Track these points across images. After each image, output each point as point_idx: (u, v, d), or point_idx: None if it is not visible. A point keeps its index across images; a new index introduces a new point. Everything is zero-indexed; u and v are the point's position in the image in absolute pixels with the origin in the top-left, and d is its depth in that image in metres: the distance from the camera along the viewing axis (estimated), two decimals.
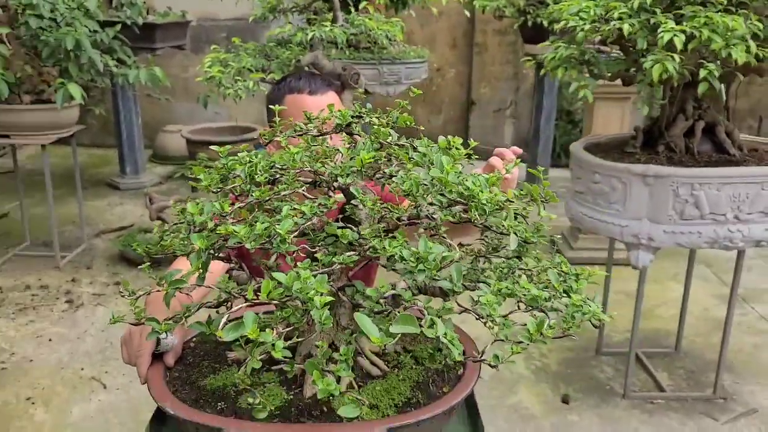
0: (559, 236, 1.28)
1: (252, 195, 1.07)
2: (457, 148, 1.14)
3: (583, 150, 2.61)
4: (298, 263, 0.98)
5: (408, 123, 1.21)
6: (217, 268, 1.25)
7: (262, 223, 1.01)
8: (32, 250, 4.39)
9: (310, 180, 1.17)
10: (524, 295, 1.07)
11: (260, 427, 1.01)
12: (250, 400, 1.00)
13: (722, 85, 2.48)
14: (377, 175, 1.12)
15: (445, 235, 1.05)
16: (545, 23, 4.67)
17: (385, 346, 1.05)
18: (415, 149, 1.14)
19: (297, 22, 3.39)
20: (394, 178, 1.07)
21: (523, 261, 1.19)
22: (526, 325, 1.07)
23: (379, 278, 1.48)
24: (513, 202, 1.14)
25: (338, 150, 1.18)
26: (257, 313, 0.97)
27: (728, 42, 2.04)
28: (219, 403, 1.12)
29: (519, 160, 1.30)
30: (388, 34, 2.88)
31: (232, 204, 1.11)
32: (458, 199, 1.05)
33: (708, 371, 3.00)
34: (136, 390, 2.84)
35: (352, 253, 1.05)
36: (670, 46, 2.07)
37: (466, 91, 6.83)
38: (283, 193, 1.08)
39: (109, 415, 2.73)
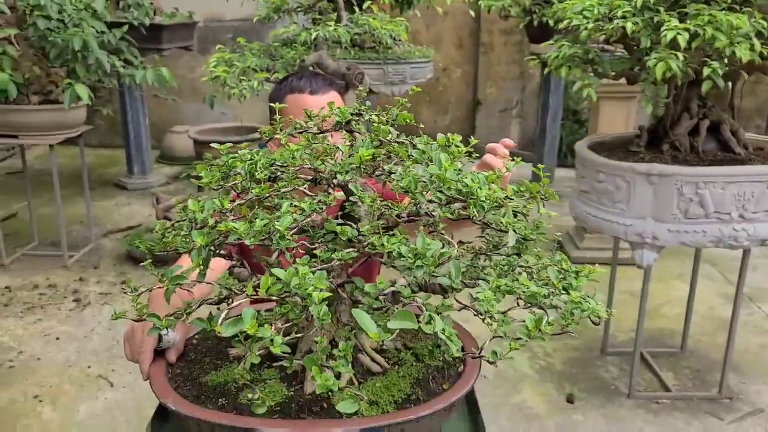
0: (559, 234, 1.28)
1: (252, 192, 1.08)
2: (456, 146, 1.15)
3: (587, 149, 2.61)
4: (297, 260, 0.99)
5: (407, 121, 1.22)
6: (218, 265, 1.26)
7: (262, 219, 1.02)
8: (40, 250, 4.43)
9: (311, 177, 1.18)
10: (523, 291, 1.07)
11: (259, 422, 1.02)
12: (250, 395, 1.00)
13: (727, 84, 2.47)
14: (376, 173, 1.12)
15: (443, 232, 1.06)
16: (551, 22, 4.67)
17: (383, 342, 1.05)
18: (414, 146, 1.15)
19: (302, 23, 3.40)
20: (393, 175, 1.07)
21: (522, 258, 1.19)
22: (525, 321, 1.07)
23: (382, 276, 1.49)
24: (512, 199, 1.14)
25: (338, 147, 1.19)
26: (259, 311, 0.98)
27: (732, 40, 2.03)
28: (220, 399, 1.13)
29: (520, 159, 1.31)
30: (392, 33, 2.88)
31: (233, 201, 1.12)
32: (457, 196, 1.05)
33: (714, 371, 2.99)
34: (142, 388, 2.86)
35: (351, 249, 1.06)
36: (673, 45, 2.06)
37: (472, 90, 6.82)
38: (283, 190, 1.09)
39: (116, 413, 2.74)
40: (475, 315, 1.06)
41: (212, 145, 1.24)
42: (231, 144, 1.21)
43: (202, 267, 1.09)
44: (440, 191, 1.05)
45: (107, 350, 3.22)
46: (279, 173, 1.15)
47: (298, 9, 2.87)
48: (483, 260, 1.23)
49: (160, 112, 6.68)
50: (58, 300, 3.76)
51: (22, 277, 4.05)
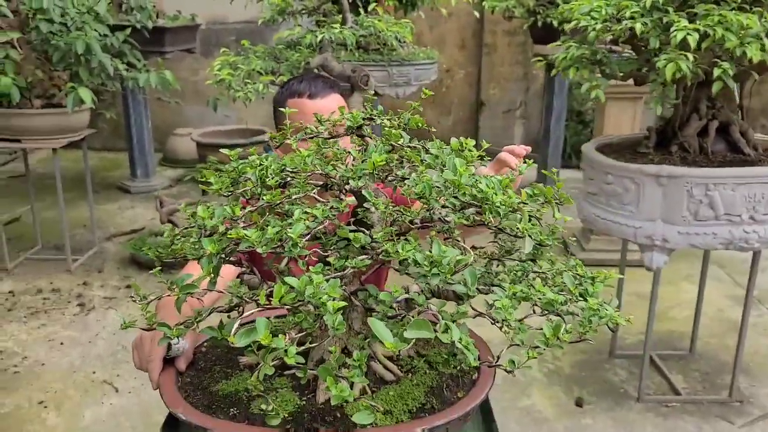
0: (573, 238, 1.26)
1: (263, 198, 1.06)
2: (469, 150, 1.13)
3: (595, 151, 2.58)
4: (311, 267, 0.97)
5: (420, 125, 1.20)
6: (227, 272, 1.24)
7: (274, 227, 1.00)
8: (44, 254, 4.41)
9: (321, 183, 1.16)
10: (539, 298, 1.05)
11: None
12: (263, 406, 0.99)
13: (736, 84, 2.45)
14: (389, 178, 1.10)
15: (459, 239, 1.04)
16: (555, 23, 4.65)
17: (399, 350, 1.03)
18: (427, 151, 1.13)
19: (306, 25, 3.39)
20: (406, 181, 1.05)
21: (537, 264, 1.17)
22: (541, 329, 1.05)
23: (390, 282, 1.47)
24: (527, 204, 1.12)
25: (349, 152, 1.17)
26: (269, 318, 0.96)
27: (743, 40, 2.01)
28: (231, 409, 1.11)
29: (532, 161, 1.29)
30: (397, 35, 2.86)
31: (243, 208, 1.10)
32: (471, 201, 1.03)
33: (723, 374, 2.96)
34: (147, 394, 2.84)
35: (364, 256, 1.04)
36: (683, 45, 2.04)
37: (475, 92, 6.80)
38: (294, 196, 1.07)
39: (121, 419, 2.73)
40: (492, 323, 1.05)
41: (221, 150, 1.22)
42: (240, 149, 1.19)
43: (212, 275, 1.08)
44: (455, 197, 1.03)
45: (112, 355, 3.20)
46: (289, 179, 1.14)
47: (303, 11, 2.86)
48: (496, 266, 1.21)
49: (163, 115, 6.67)
50: (62, 305, 3.74)
51: (25, 281, 4.04)
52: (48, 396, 2.88)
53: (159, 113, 6.45)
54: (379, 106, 1.18)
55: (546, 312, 1.06)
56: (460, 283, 1.02)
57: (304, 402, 1.12)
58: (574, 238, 1.24)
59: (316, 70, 2.67)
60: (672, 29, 2.02)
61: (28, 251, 4.42)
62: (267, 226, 1.04)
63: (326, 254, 1.07)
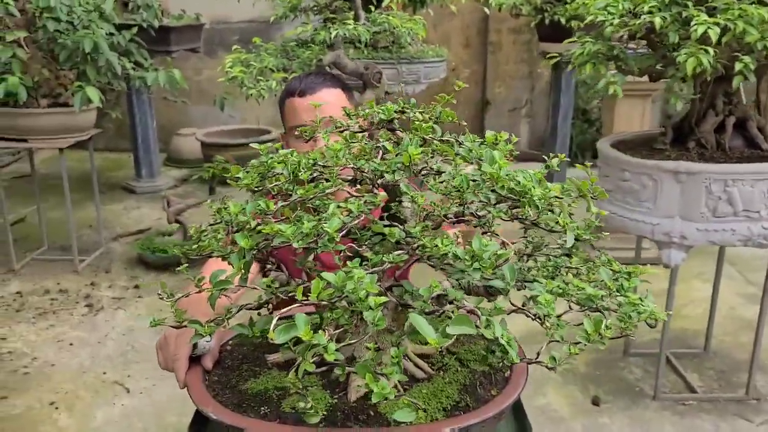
0: (607, 234, 1.24)
1: (295, 193, 1.04)
2: (503, 143, 1.11)
3: (610, 147, 2.56)
4: (348, 263, 0.95)
5: (451, 118, 1.18)
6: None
7: (309, 221, 0.98)
8: (50, 254, 4.39)
9: (350, 178, 1.14)
10: (577, 293, 1.03)
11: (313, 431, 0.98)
12: (301, 404, 0.96)
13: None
14: (423, 172, 1.08)
15: (497, 233, 1.02)
16: (563, 21, 4.63)
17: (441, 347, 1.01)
18: (460, 144, 1.11)
19: (313, 22, 3.36)
20: (443, 174, 1.03)
21: (571, 259, 1.15)
22: (579, 324, 1.04)
23: (414, 278, 1.44)
24: (562, 198, 1.10)
25: (379, 147, 1.15)
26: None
27: (763, 34, 1.99)
28: (262, 408, 1.09)
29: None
30: (410, 31, 2.84)
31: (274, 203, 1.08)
32: (509, 195, 1.01)
33: (739, 371, 2.94)
34: (159, 394, 2.82)
35: (401, 251, 1.02)
36: (703, 40, 2.02)
37: (480, 90, 6.78)
38: (328, 191, 1.05)
39: (134, 419, 2.70)
40: (532, 319, 1.03)
41: (251, 144, 1.20)
42: (270, 143, 1.17)
43: (243, 271, 1.05)
44: (492, 190, 1.01)
45: (122, 356, 3.18)
46: (320, 174, 1.12)
47: (315, 8, 2.84)
48: (526, 261, 1.19)
49: (167, 114, 6.64)
50: (70, 305, 3.72)
51: (32, 282, 4.02)
52: (59, 397, 2.86)
53: (163, 113, 6.42)
54: (413, 100, 1.15)
55: (585, 308, 1.04)
56: (498, 278, 1.00)
57: (336, 400, 1.10)
58: (608, 234, 1.23)
59: (328, 68, 2.64)
60: (692, 23, 2.00)
61: (35, 252, 4.40)
62: (298, 221, 1.02)
63: (360, 249, 1.05)
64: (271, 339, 0.89)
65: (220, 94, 4.30)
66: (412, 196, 1.02)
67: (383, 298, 0.89)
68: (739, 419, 2.62)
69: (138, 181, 5.74)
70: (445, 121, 1.16)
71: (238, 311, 1.15)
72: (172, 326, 1.11)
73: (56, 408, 2.78)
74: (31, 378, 3.00)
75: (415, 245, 1.01)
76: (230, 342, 1.35)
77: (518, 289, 1.07)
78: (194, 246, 1.20)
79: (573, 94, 5.49)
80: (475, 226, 1.05)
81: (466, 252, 0.94)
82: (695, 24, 1.99)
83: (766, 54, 2.06)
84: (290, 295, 1.07)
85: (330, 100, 1.66)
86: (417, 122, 1.14)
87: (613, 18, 2.21)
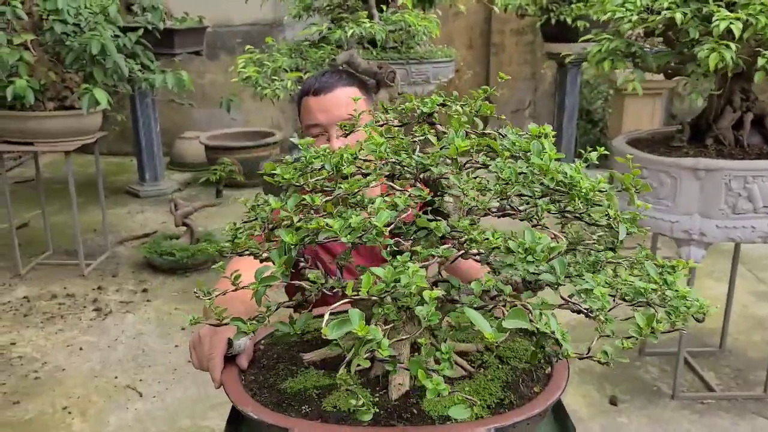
0: (648, 228, 1.23)
1: (340, 188, 1.02)
2: (546, 136, 1.09)
3: (626, 144, 2.55)
4: (399, 257, 0.93)
5: (490, 112, 1.16)
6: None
7: (357, 215, 0.96)
8: (56, 259, 4.36)
9: (387, 173, 1.12)
10: (627, 287, 1.02)
11: (361, 430, 0.96)
12: (353, 401, 0.94)
13: None
14: (467, 165, 1.06)
15: (547, 226, 1.00)
16: (569, 21, 4.64)
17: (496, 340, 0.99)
18: (504, 137, 1.09)
19: (319, 23, 3.33)
20: (490, 167, 1.02)
21: (615, 253, 1.14)
22: (627, 319, 1.02)
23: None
24: (605, 191, 1.09)
25: (416, 141, 1.14)
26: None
27: None
28: (303, 407, 1.07)
29: None
30: (425, 29, 2.83)
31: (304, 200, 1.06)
32: (558, 187, 1.00)
33: (756, 369, 2.93)
34: (171, 398, 2.79)
35: (447, 246, 1.00)
36: (722, 35, 2.02)
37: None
38: (372, 185, 1.03)
39: (148, 424, 2.68)
40: (584, 314, 1.01)
41: (291, 139, 1.18)
42: (312, 138, 1.15)
43: (285, 267, 1.03)
44: (540, 183, 1.00)
45: (133, 360, 3.15)
46: (359, 169, 1.10)
47: (328, 7, 2.82)
48: (565, 256, 1.17)
49: (170, 118, 6.61)
50: (78, 309, 3.69)
51: (39, 286, 3.98)
52: (71, 402, 2.83)
53: (166, 116, 6.39)
54: (454, 92, 1.14)
55: (633, 301, 1.02)
56: (548, 272, 0.98)
57: (377, 398, 1.08)
58: (648, 228, 1.21)
59: (341, 67, 2.63)
60: (714, 19, 1.99)
61: (40, 256, 4.37)
62: (340, 216, 1.00)
63: (401, 245, 1.04)
64: (324, 335, 0.87)
65: (226, 95, 4.30)
66: (462, 188, 1.00)
67: (437, 292, 0.87)
68: (759, 417, 2.61)
69: (142, 185, 5.71)
70: (485, 114, 1.15)
71: (277, 309, 1.13)
72: (212, 324, 1.09)
73: (69, 413, 2.75)
74: (42, 383, 2.97)
75: (463, 239, 0.99)
76: (262, 341, 1.32)
77: (560, 285, 1.06)
78: (231, 243, 1.17)
79: (578, 95, 5.49)
80: (521, 220, 1.04)
81: (519, 245, 0.92)
82: (717, 19, 1.98)
83: None
84: (334, 291, 1.05)
85: (346, 99, 1.64)
86: (457, 116, 1.12)
87: (632, 14, 2.20)
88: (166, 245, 4.11)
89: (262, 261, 1.13)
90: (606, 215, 1.01)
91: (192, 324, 1.08)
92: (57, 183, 5.82)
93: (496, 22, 6.41)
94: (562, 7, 4.61)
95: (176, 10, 5.37)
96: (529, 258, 0.91)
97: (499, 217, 1.06)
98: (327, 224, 0.95)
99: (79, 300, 3.80)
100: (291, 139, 1.21)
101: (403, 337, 0.96)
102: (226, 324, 1.08)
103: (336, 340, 0.94)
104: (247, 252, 1.14)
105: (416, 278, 0.90)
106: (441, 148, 1.04)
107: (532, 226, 1.01)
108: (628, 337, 0.98)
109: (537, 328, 0.90)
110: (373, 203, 0.99)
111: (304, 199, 1.01)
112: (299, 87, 2.59)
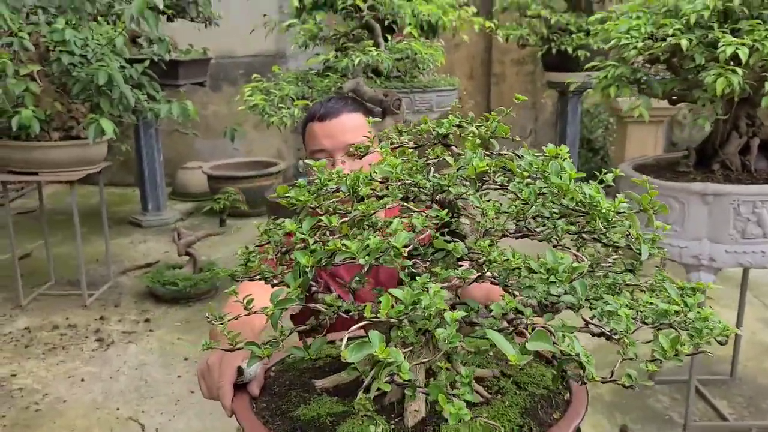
0: (665, 249, 1.21)
1: (357, 209, 1.01)
2: (563, 158, 1.08)
3: (633, 170, 2.55)
4: (417, 278, 0.92)
5: (506, 134, 1.16)
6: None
7: (375, 236, 0.95)
8: (57, 289, 4.33)
9: (401, 195, 1.11)
10: (649, 309, 1.00)
11: None
12: (372, 428, 0.92)
13: None
14: (483, 187, 1.05)
15: (568, 247, 0.99)
16: (570, 50, 4.68)
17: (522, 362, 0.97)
18: (520, 158, 1.08)
19: (321, 53, 3.35)
20: (510, 186, 1.00)
21: (635, 276, 1.12)
22: (649, 342, 1.00)
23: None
24: (624, 212, 1.08)
25: (430, 164, 1.13)
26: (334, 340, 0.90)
27: None
28: None
29: None
30: (432, 57, 2.85)
31: (319, 222, 1.05)
32: (578, 208, 0.99)
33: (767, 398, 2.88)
34: (174, 429, 2.74)
35: (465, 267, 0.99)
36: (728, 60, 2.03)
37: None
38: (389, 206, 1.02)
39: None
40: (606, 337, 0.99)
41: (302, 161, 1.17)
42: (324, 160, 1.14)
43: (300, 290, 1.01)
44: (560, 204, 0.99)
45: (135, 390, 3.11)
46: (373, 190, 1.09)
47: (334, 36, 2.85)
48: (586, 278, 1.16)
49: (173, 148, 6.64)
50: (80, 340, 3.65)
51: (41, 317, 3.95)
52: None
53: (168, 147, 6.42)
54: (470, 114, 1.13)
55: (656, 324, 1.01)
56: (569, 294, 0.97)
57: (392, 426, 1.06)
58: (666, 250, 1.20)
59: (347, 95, 2.64)
60: (720, 44, 2.01)
61: (42, 287, 4.34)
62: (357, 238, 0.99)
63: (422, 266, 1.02)
64: (344, 358, 0.85)
65: (230, 125, 4.32)
66: (482, 208, 0.98)
67: (459, 313, 0.85)
68: None
69: (144, 215, 5.70)
70: (500, 136, 1.14)
71: (290, 333, 1.12)
72: (225, 349, 1.06)
73: None
74: (43, 414, 2.92)
75: (482, 260, 0.98)
76: (273, 368, 1.30)
77: (581, 307, 1.04)
78: (243, 267, 1.16)
79: (579, 124, 5.52)
80: (540, 241, 1.02)
81: (541, 265, 0.91)
82: (723, 45, 1.99)
83: None
84: (350, 315, 1.03)
85: (351, 125, 1.64)
86: (472, 137, 1.11)
87: (637, 41, 2.21)
88: (169, 275, 4.09)
89: (274, 285, 1.12)
90: (627, 235, 1.00)
91: (204, 349, 1.06)
92: (60, 214, 5.81)
93: (497, 52, 6.48)
94: (563, 37, 4.66)
95: (181, 42, 5.43)
96: (552, 278, 0.90)
97: (516, 238, 1.04)
98: (344, 245, 0.94)
99: (81, 330, 3.77)
100: (302, 162, 1.20)
101: (423, 361, 0.94)
102: (239, 349, 1.06)
103: (354, 363, 0.92)
104: (258, 276, 1.13)
105: (437, 299, 0.88)
106: (458, 169, 1.03)
107: (553, 247, 0.99)
108: (652, 360, 0.96)
109: (560, 350, 0.88)
110: (389, 225, 0.98)
111: (319, 221, 1.00)
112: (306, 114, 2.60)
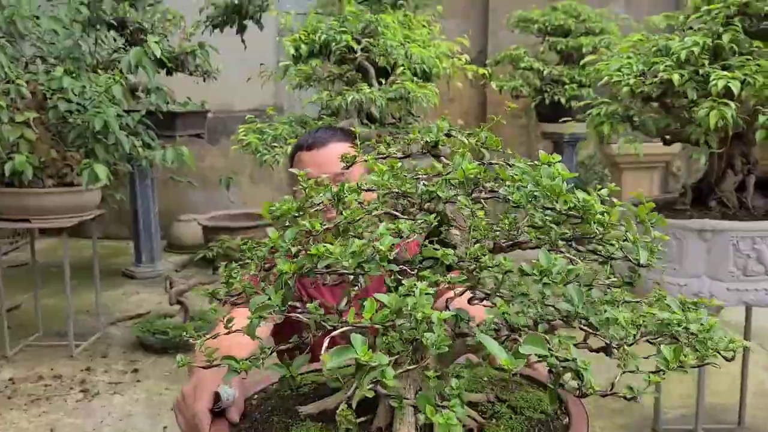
0: (665, 267, 1.17)
1: (343, 214, 0.97)
2: (556, 166, 1.05)
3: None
4: (404, 281, 0.87)
5: (497, 145, 1.13)
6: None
7: (360, 239, 0.91)
8: (45, 340, 4.22)
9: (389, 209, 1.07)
10: (648, 319, 0.95)
11: None
12: None
13: None
14: (473, 194, 1.02)
15: (563, 249, 0.94)
16: (563, 101, 4.74)
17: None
18: (511, 166, 1.05)
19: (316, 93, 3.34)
20: (501, 190, 0.97)
21: (633, 288, 1.07)
22: (653, 356, 0.95)
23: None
24: (619, 224, 1.04)
25: (418, 177, 1.10)
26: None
27: None
28: None
29: None
30: (426, 97, 2.86)
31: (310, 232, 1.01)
32: (571, 212, 0.95)
33: None
34: None
35: (454, 274, 0.94)
36: (720, 94, 2.03)
37: None
38: (374, 212, 0.98)
39: None
40: (598, 351, 0.93)
41: (291, 170, 1.14)
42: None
43: (280, 303, 0.96)
44: (551, 209, 0.95)
45: None
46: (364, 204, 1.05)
47: (328, 78, 2.88)
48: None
49: (168, 200, 6.62)
50: (64, 391, 3.53)
51: (26, 368, 3.83)
52: None
53: (163, 199, 6.39)
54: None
55: (657, 335, 0.95)
56: (566, 301, 0.91)
57: None
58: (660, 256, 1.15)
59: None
60: (711, 78, 2.01)
61: (29, 338, 4.23)
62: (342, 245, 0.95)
63: (409, 274, 0.97)
64: (323, 363, 0.80)
65: (225, 175, 4.32)
66: (471, 209, 0.94)
67: (447, 314, 0.80)
68: None
69: (138, 267, 5.63)
70: (491, 147, 1.11)
71: (272, 353, 1.06)
72: (203, 366, 1.00)
73: None
74: None
75: (472, 267, 0.93)
76: (255, 396, 1.24)
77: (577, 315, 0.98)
78: (225, 287, 1.11)
79: (575, 174, 5.54)
80: (532, 249, 0.98)
81: (534, 266, 0.86)
82: (714, 78, 2.00)
83: None
84: (333, 327, 0.98)
85: (339, 154, 1.64)
86: (462, 147, 1.09)
87: (629, 78, 2.22)
88: (159, 324, 4.00)
89: None
90: (624, 240, 0.96)
91: (180, 366, 1.00)
92: (52, 267, 5.73)
93: (491, 106, 6.56)
94: (556, 88, 4.73)
95: (180, 95, 5.50)
96: (545, 280, 0.85)
97: (509, 247, 1.00)
98: (327, 250, 0.90)
99: (65, 381, 3.65)
100: (290, 171, 1.17)
101: (410, 368, 0.88)
102: (217, 365, 1.00)
103: (337, 376, 0.86)
104: (250, 292, 1.08)
105: (425, 299, 0.83)
106: (447, 173, 0.99)
107: (549, 250, 0.95)
108: (655, 371, 0.90)
109: (556, 357, 0.83)
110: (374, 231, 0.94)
111: (303, 227, 0.96)
112: None
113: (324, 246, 0.90)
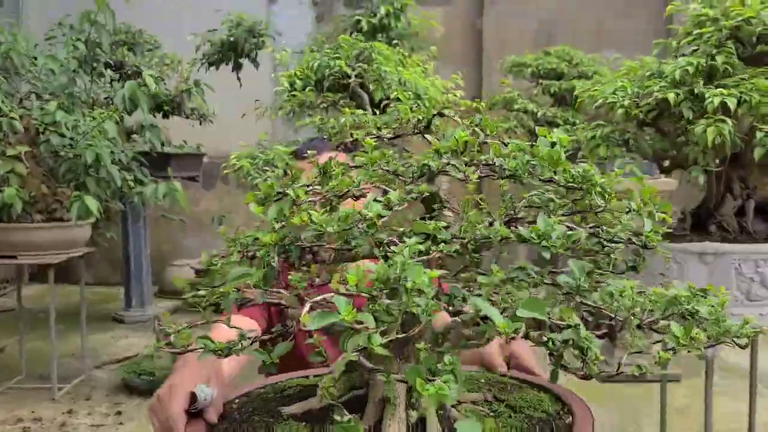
0: (669, 257, 1.11)
1: (329, 187, 0.92)
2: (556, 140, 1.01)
3: None
4: (394, 248, 0.81)
5: (492, 131, 1.08)
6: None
7: (345, 208, 0.85)
8: (27, 383, 4.07)
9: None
10: (657, 295, 0.89)
11: None
12: (338, 417, 0.77)
13: None
14: (469, 167, 0.97)
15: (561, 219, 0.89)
16: None
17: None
18: (505, 144, 1.01)
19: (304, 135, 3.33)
20: (497, 161, 0.92)
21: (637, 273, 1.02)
22: (658, 342, 0.88)
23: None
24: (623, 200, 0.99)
25: (409, 161, 1.06)
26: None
27: None
28: None
29: None
30: None
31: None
32: (571, 183, 0.90)
33: None
34: None
35: (445, 244, 0.88)
36: (717, 111, 2.01)
37: None
38: (362, 185, 0.93)
39: None
40: (601, 338, 0.87)
41: (278, 147, 1.10)
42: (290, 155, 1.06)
43: (264, 279, 0.90)
44: (551, 181, 0.90)
45: None
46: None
47: (322, 104, 2.87)
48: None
49: (160, 244, 6.55)
50: None
51: (6, 411, 3.68)
52: None
53: (156, 243, 6.32)
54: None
55: (665, 314, 0.89)
56: (566, 274, 0.86)
57: None
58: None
59: None
60: (707, 96, 2.00)
61: (11, 381, 4.09)
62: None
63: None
64: (304, 325, 0.73)
65: (218, 214, 4.27)
66: (464, 172, 0.89)
67: (438, 272, 0.74)
68: None
69: (128, 311, 5.51)
70: (487, 128, 1.07)
71: (252, 342, 0.99)
72: (177, 352, 0.93)
73: None
74: None
75: (466, 240, 0.87)
76: (236, 400, 1.16)
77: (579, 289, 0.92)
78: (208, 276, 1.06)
79: None
80: (529, 223, 0.93)
81: (532, 231, 0.81)
82: (710, 96, 1.98)
83: None
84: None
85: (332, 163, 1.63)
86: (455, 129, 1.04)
87: (623, 99, 2.21)
88: (147, 365, 3.87)
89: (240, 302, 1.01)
90: (627, 211, 0.90)
91: (155, 348, 0.94)
92: (39, 312, 5.61)
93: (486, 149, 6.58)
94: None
95: (176, 138, 5.50)
96: (544, 243, 0.79)
97: (506, 224, 0.94)
98: (310, 217, 0.84)
99: (45, 424, 3.50)
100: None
101: (399, 336, 0.81)
102: (191, 351, 0.93)
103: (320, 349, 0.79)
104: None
105: (415, 269, 0.77)
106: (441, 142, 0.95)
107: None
108: (667, 348, 0.83)
109: (557, 324, 0.76)
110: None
111: (286, 196, 0.90)
112: None
113: (308, 213, 0.84)
